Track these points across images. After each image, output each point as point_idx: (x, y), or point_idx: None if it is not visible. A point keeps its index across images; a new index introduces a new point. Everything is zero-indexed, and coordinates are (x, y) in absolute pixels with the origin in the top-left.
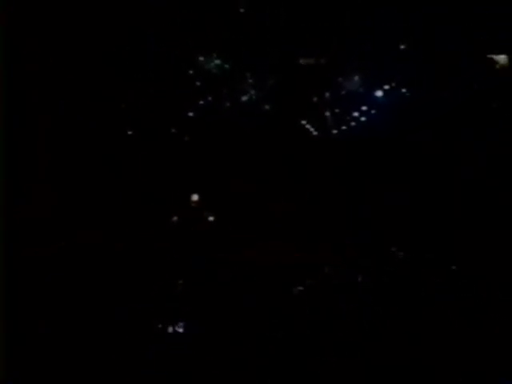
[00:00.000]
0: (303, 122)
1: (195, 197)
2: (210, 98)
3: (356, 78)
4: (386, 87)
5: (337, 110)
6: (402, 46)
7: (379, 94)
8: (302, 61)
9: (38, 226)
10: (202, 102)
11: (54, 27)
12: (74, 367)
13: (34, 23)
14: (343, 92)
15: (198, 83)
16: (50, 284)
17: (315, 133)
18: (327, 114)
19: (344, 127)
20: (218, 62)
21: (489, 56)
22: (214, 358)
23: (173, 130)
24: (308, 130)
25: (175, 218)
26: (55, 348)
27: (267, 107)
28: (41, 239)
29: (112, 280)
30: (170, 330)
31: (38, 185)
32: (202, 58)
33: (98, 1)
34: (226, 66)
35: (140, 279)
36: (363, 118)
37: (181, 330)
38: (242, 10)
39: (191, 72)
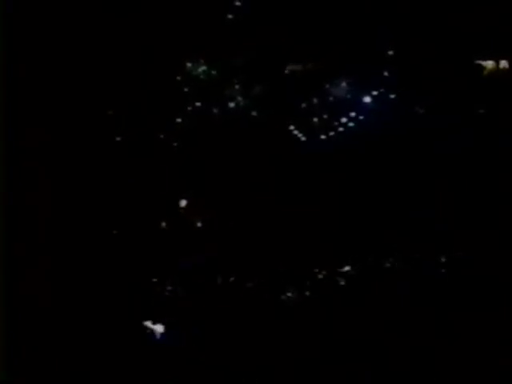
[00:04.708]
0: (291, 128)
1: (183, 203)
2: (197, 104)
3: (344, 83)
4: (375, 93)
5: (325, 116)
6: (391, 52)
7: (368, 99)
8: (289, 67)
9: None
10: (189, 108)
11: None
12: (74, 368)
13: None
14: (331, 98)
15: (185, 89)
16: (50, 285)
17: (303, 138)
18: (315, 119)
19: (332, 133)
20: (204, 68)
21: (477, 62)
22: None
23: (161, 136)
24: (296, 135)
25: (164, 224)
26: (55, 349)
27: (255, 113)
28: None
29: (111, 279)
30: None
31: (37, 186)
32: (189, 64)
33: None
34: (214, 72)
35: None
36: (351, 124)
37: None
38: (229, 16)
39: (178, 78)
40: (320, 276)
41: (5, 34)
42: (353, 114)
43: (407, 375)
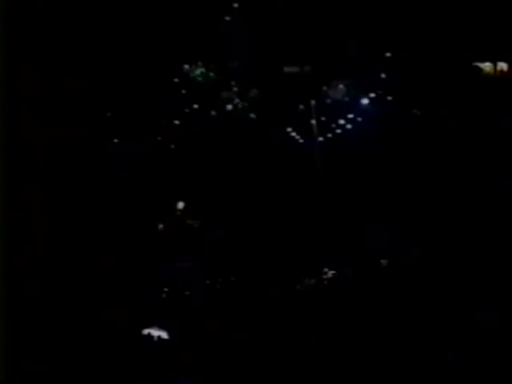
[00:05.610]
0: (288, 130)
1: (181, 205)
2: (195, 106)
3: (341, 86)
4: (372, 95)
5: (322, 118)
6: (388, 54)
7: (364, 101)
8: (286, 69)
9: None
10: (187, 110)
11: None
12: (73, 368)
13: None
14: (328, 100)
15: (183, 91)
16: (49, 285)
17: (301, 140)
18: (313, 121)
19: (329, 135)
20: (203, 70)
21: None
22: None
23: (159, 138)
24: (294, 137)
25: (161, 225)
26: (55, 349)
27: (252, 115)
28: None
29: (109, 280)
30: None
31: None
32: (187, 67)
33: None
34: (212, 74)
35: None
36: (349, 126)
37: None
38: (227, 19)
39: (176, 80)
40: (319, 276)
41: (5, 33)
42: (351, 116)
43: (407, 375)
